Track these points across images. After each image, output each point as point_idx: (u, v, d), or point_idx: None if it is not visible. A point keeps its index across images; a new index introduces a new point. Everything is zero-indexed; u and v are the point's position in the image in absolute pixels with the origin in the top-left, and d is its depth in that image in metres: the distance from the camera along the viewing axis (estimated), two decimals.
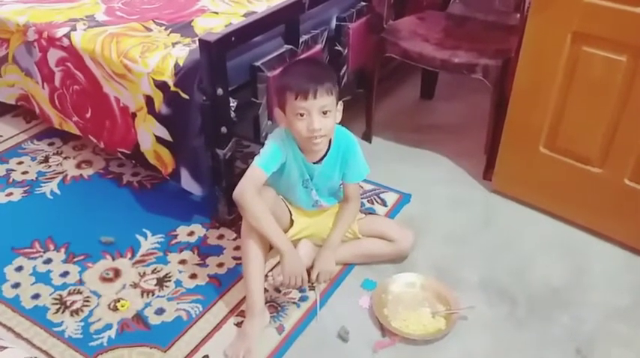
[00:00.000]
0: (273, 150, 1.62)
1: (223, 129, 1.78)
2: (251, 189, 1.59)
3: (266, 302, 1.68)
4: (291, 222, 1.76)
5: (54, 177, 2.20)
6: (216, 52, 1.67)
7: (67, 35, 1.97)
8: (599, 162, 1.84)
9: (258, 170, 1.61)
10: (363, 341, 1.60)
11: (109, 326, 1.63)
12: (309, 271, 1.71)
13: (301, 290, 1.72)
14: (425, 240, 1.91)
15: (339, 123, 1.66)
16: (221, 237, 1.93)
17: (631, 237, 1.88)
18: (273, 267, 1.79)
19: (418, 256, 1.85)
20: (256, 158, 1.63)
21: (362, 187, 1.88)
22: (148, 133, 1.90)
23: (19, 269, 1.81)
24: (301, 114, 1.54)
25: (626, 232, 1.88)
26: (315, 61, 1.75)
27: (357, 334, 1.62)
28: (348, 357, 1.57)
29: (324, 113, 1.55)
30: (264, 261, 1.65)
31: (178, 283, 1.77)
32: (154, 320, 1.65)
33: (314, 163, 1.69)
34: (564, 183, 1.93)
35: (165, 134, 1.86)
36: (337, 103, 1.61)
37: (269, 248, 1.67)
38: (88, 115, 2.07)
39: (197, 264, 1.83)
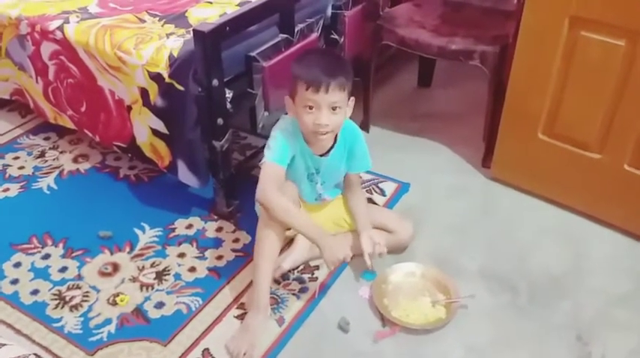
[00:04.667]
0: (282, 143, 1.58)
1: (219, 121, 1.76)
2: (272, 187, 1.53)
3: None
4: None
5: (50, 172, 2.18)
6: (211, 43, 1.65)
7: (60, 28, 1.95)
8: (598, 147, 1.83)
9: (273, 166, 1.56)
10: (363, 331, 1.60)
11: (108, 321, 1.63)
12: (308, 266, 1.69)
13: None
14: (424, 229, 1.91)
15: None
16: (220, 229, 1.93)
17: (631, 222, 1.87)
18: None
19: (417, 245, 1.85)
20: (267, 153, 1.57)
21: (361, 177, 1.88)
22: (144, 126, 1.88)
23: (18, 265, 1.80)
24: (310, 107, 1.51)
25: (626, 218, 1.88)
26: (333, 53, 1.59)
27: (357, 324, 1.62)
28: (349, 348, 1.57)
29: (334, 109, 1.52)
30: (276, 260, 1.63)
31: (177, 276, 1.76)
32: (154, 314, 1.65)
33: (320, 156, 1.67)
34: (563, 169, 1.92)
35: (160, 126, 1.84)
36: (349, 99, 1.57)
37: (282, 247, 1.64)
38: (83, 109, 2.06)
39: (196, 257, 1.82)
